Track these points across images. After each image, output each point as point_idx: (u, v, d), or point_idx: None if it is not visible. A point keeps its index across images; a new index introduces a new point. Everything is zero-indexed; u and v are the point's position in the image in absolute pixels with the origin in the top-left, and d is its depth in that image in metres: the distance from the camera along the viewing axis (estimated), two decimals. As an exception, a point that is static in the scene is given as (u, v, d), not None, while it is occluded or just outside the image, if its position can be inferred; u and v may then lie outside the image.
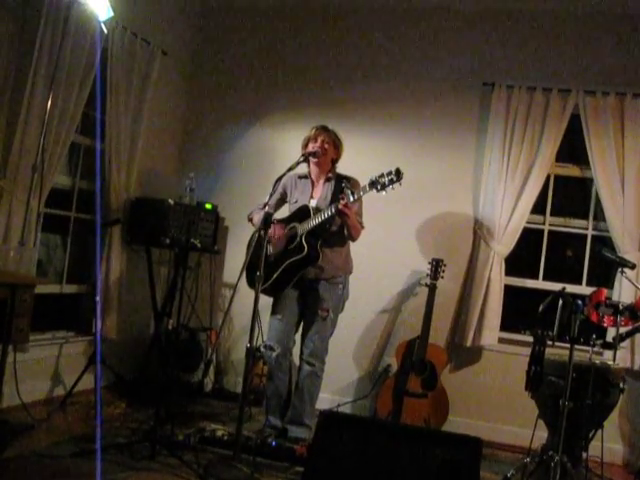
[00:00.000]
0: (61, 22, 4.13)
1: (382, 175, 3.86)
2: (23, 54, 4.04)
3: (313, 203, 4.28)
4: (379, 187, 3.85)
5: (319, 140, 4.27)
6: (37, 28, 4.01)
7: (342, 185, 4.13)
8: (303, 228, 4.16)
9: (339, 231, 4.23)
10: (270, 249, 4.25)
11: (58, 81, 4.15)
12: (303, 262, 4.14)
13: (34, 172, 4.02)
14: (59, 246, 4.98)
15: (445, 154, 5.34)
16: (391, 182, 3.83)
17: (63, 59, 4.18)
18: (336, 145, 4.36)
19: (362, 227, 4.26)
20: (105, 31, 4.21)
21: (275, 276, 4.20)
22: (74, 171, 4.93)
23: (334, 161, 4.40)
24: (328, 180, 4.34)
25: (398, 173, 3.83)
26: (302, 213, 4.22)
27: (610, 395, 3.88)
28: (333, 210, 4.00)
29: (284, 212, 4.48)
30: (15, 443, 3.57)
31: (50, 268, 4.93)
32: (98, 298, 4.29)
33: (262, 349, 4.29)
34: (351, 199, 3.96)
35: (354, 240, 4.28)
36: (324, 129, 4.32)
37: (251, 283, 4.12)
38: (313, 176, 4.39)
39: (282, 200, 4.50)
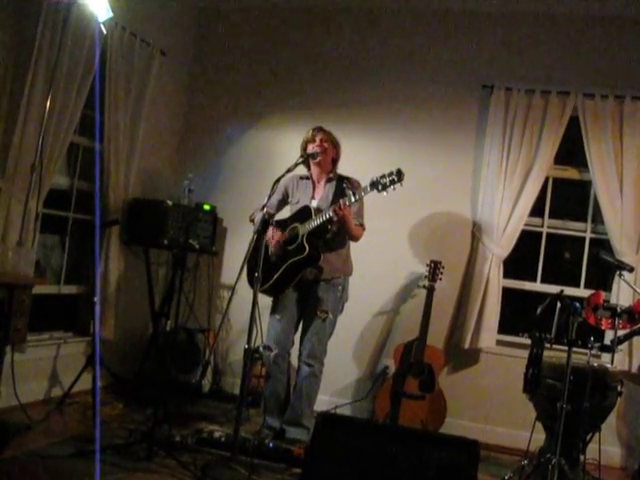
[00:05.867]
0: (60, 22, 4.12)
1: (383, 176, 3.85)
2: (22, 54, 4.04)
3: (314, 204, 4.28)
4: (380, 187, 3.85)
5: (317, 140, 4.28)
6: (36, 28, 4.01)
7: (343, 186, 4.14)
8: (304, 228, 4.16)
9: (340, 232, 4.23)
10: (271, 249, 4.26)
11: (57, 81, 4.14)
12: (304, 262, 4.14)
13: (33, 172, 4.01)
14: (57, 247, 4.98)
15: (444, 156, 5.35)
16: (392, 182, 3.83)
17: (62, 59, 4.17)
18: (335, 144, 4.36)
19: (363, 228, 4.26)
20: (104, 32, 4.21)
21: (276, 276, 4.20)
22: (73, 171, 4.93)
23: (334, 161, 4.40)
24: (329, 181, 4.34)
25: (399, 174, 3.82)
26: (303, 213, 4.22)
27: (608, 398, 3.89)
28: (331, 213, 4.00)
29: (285, 213, 4.48)
30: (12, 444, 3.56)
31: (48, 269, 4.92)
32: (96, 299, 4.28)
33: (261, 349, 4.29)
34: (352, 199, 3.96)
35: (356, 240, 4.28)
36: (321, 129, 4.33)
37: (252, 283, 4.12)
38: (314, 177, 4.39)
39: (284, 201, 4.50)
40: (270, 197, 3.98)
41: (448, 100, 5.37)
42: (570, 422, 3.56)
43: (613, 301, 4.65)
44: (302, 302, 4.32)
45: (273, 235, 4.24)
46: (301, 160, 4.16)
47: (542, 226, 5.26)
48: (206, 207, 5.35)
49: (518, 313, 5.22)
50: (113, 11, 4.02)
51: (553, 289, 4.73)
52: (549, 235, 5.26)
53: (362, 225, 4.26)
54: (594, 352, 3.96)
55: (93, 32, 4.28)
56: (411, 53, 5.48)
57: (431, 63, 5.43)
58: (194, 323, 5.39)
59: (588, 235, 5.16)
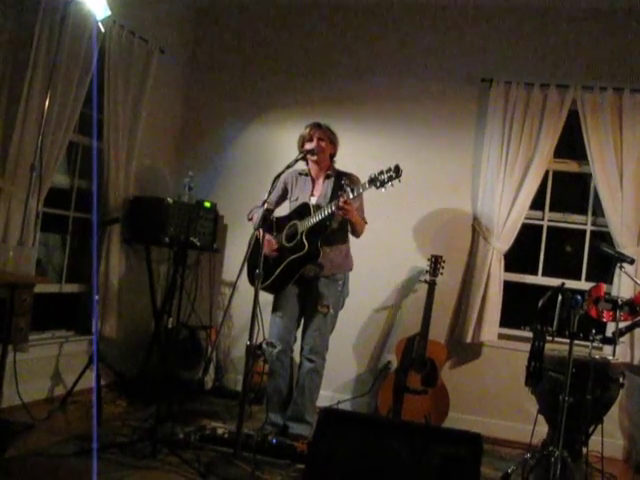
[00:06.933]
0: (58, 21, 4.12)
1: (381, 172, 3.84)
2: (20, 53, 4.03)
3: (313, 200, 4.27)
4: (378, 184, 3.84)
5: (315, 139, 4.27)
6: (34, 27, 4.00)
7: (342, 182, 4.13)
8: (303, 225, 4.15)
9: (339, 228, 4.23)
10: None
11: (55, 80, 4.14)
12: (303, 259, 4.14)
13: (32, 171, 4.01)
14: (58, 245, 4.98)
15: (443, 150, 5.34)
16: (390, 179, 3.82)
17: (60, 58, 4.17)
18: (331, 140, 4.35)
19: (365, 222, 4.27)
20: (102, 30, 4.21)
21: (276, 274, 4.20)
22: (72, 170, 4.93)
23: (332, 156, 4.39)
24: (328, 177, 4.33)
25: (397, 170, 3.81)
26: (302, 210, 4.22)
27: (610, 390, 3.88)
28: (333, 208, 3.99)
29: (285, 209, 4.48)
30: (16, 443, 3.57)
31: (49, 267, 4.92)
32: (96, 297, 4.28)
33: (264, 346, 4.30)
34: (351, 196, 3.95)
35: (358, 236, 4.29)
36: (317, 126, 4.31)
37: (252, 281, 4.12)
38: (313, 173, 4.38)
39: (283, 197, 4.50)
40: (270, 193, 3.98)
41: (447, 94, 5.36)
42: (572, 415, 3.56)
43: (614, 293, 4.65)
44: (303, 298, 4.32)
45: (268, 242, 4.23)
46: (300, 156, 4.17)
47: (543, 219, 5.26)
48: (207, 204, 5.34)
49: (519, 306, 5.22)
50: (111, 9, 4.02)
51: (554, 282, 4.69)
52: (550, 228, 5.27)
53: (364, 220, 4.27)
54: (596, 344, 3.95)
55: (91, 30, 4.28)
56: (410, 47, 5.47)
57: (430, 57, 5.42)
58: (196, 320, 5.39)
59: (589, 228, 5.17)
